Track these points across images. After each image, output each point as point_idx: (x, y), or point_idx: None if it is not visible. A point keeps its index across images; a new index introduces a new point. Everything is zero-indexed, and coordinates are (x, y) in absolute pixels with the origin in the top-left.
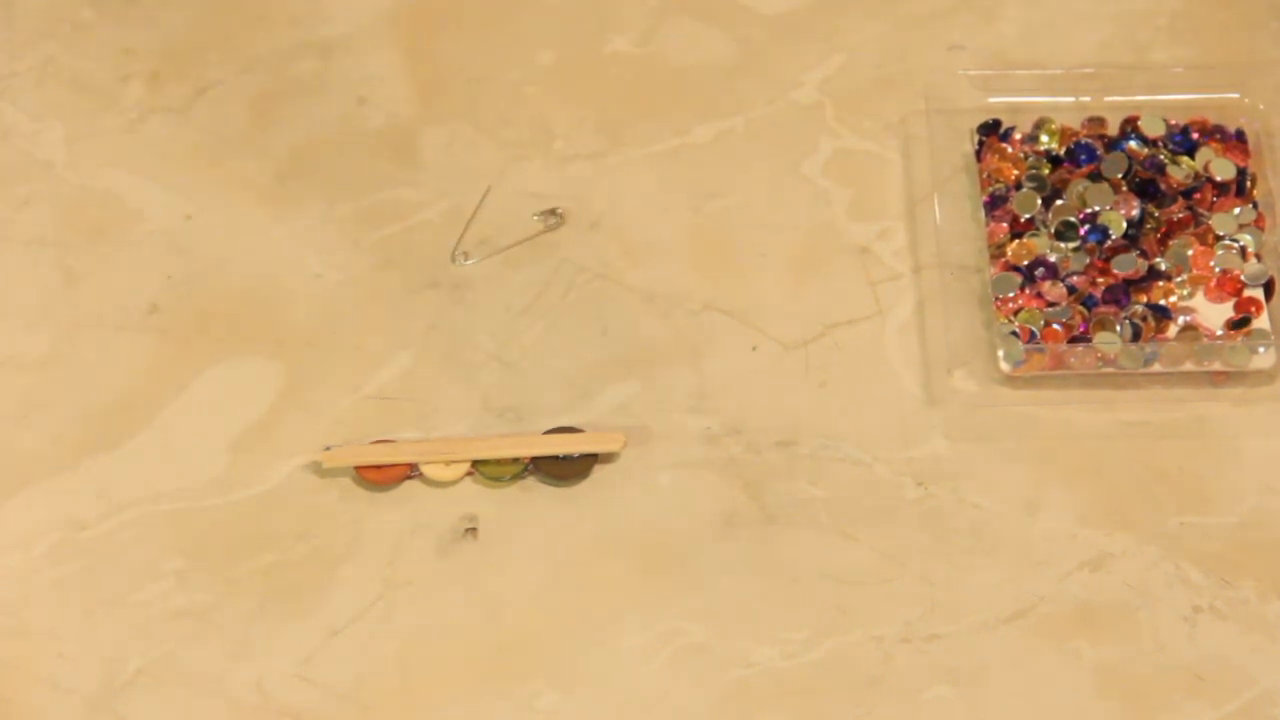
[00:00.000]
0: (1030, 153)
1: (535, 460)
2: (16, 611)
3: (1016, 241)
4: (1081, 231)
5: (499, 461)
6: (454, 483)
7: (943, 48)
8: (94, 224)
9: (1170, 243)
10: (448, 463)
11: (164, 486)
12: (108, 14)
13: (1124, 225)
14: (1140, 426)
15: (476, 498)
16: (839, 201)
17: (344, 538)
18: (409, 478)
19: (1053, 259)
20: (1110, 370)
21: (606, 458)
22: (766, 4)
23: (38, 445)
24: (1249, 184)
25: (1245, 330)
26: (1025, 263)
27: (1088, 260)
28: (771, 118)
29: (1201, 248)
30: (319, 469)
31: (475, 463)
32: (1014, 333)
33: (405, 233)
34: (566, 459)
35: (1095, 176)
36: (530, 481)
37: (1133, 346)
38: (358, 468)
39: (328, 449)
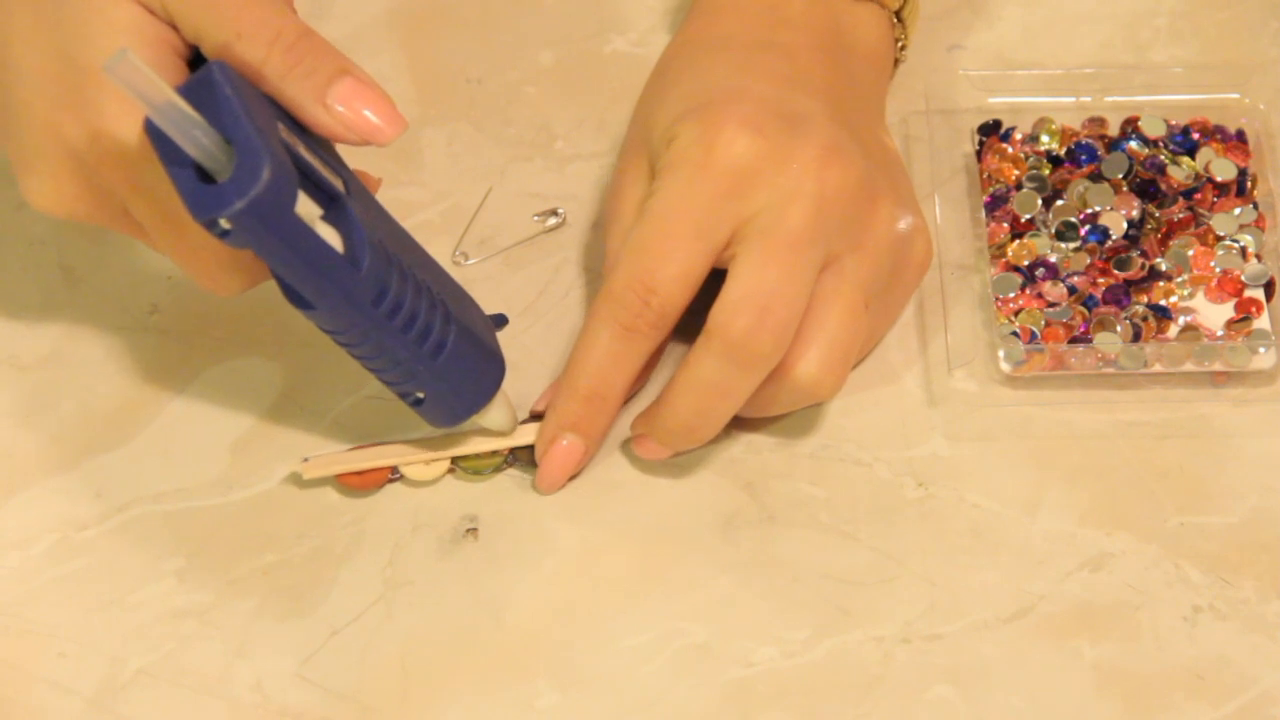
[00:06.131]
0: (1031, 153)
1: (514, 451)
2: (16, 611)
3: (1017, 242)
4: (1082, 232)
5: (478, 456)
6: (435, 481)
7: (943, 48)
8: None
9: (1171, 243)
10: (426, 462)
11: (164, 487)
12: None
13: (1124, 225)
14: (1140, 426)
15: (477, 498)
16: None
17: (344, 538)
18: (391, 480)
19: (1053, 259)
20: (1110, 370)
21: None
22: None
23: (38, 445)
24: (1249, 184)
25: (1245, 330)
26: (1025, 263)
27: (1088, 260)
28: None
29: (1202, 248)
30: (299, 480)
31: (455, 459)
32: (1014, 333)
33: None
34: None
35: (1096, 177)
36: (530, 482)
37: (1133, 346)
38: (339, 476)
39: (306, 460)
